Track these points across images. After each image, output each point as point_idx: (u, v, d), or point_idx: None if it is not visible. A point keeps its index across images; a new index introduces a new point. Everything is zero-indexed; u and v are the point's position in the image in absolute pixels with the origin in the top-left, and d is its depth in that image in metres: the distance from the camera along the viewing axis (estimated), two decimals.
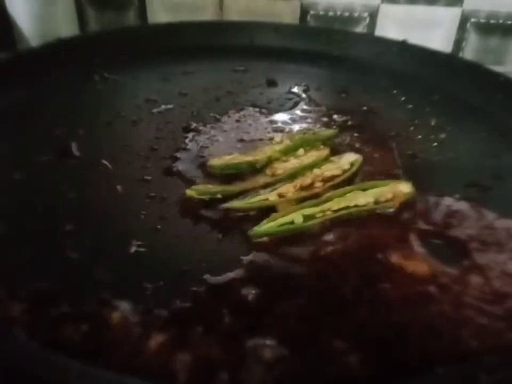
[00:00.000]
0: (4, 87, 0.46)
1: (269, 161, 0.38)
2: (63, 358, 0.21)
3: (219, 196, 0.34)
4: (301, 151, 0.39)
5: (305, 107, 0.50)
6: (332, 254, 0.30)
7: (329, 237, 0.31)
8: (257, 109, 0.49)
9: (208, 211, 0.33)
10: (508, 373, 0.22)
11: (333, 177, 0.36)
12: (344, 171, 0.37)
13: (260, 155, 0.39)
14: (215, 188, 0.35)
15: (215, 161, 0.38)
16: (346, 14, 0.73)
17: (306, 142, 0.40)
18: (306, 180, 0.35)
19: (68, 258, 0.28)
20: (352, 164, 0.38)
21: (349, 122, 0.47)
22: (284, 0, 0.73)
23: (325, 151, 0.39)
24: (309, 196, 0.34)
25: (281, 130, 0.45)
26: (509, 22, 0.72)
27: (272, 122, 0.47)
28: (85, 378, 0.20)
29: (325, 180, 0.36)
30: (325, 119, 0.48)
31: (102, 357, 0.22)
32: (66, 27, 0.75)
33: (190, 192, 0.34)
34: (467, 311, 0.26)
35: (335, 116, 0.48)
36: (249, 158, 0.38)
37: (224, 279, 0.27)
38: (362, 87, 0.56)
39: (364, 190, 0.35)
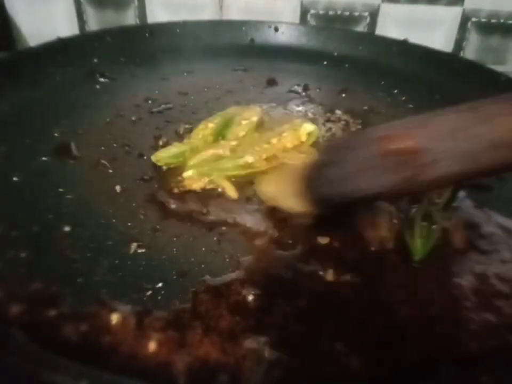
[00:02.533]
0: (4, 87, 0.46)
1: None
2: (62, 358, 0.21)
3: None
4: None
5: (305, 107, 0.50)
6: (331, 255, 0.30)
7: (327, 237, 0.31)
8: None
9: (208, 211, 0.33)
10: (508, 374, 0.22)
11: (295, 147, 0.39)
12: (302, 142, 0.40)
13: (196, 140, 0.40)
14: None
15: (159, 155, 0.38)
16: (347, 13, 0.73)
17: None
18: (270, 150, 0.38)
19: (67, 258, 0.28)
20: (309, 135, 0.40)
21: (349, 122, 0.47)
22: None
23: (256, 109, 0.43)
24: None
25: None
26: (510, 22, 0.72)
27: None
28: (84, 379, 0.20)
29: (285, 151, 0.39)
30: (325, 118, 0.48)
31: (101, 358, 0.22)
32: (66, 27, 0.75)
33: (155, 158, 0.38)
34: (467, 312, 0.26)
35: (335, 115, 0.48)
36: (187, 145, 0.39)
37: (224, 280, 0.27)
38: (363, 86, 0.55)
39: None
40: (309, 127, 0.41)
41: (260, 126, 0.42)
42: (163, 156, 0.38)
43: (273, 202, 0.33)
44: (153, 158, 0.38)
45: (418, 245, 0.30)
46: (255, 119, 0.42)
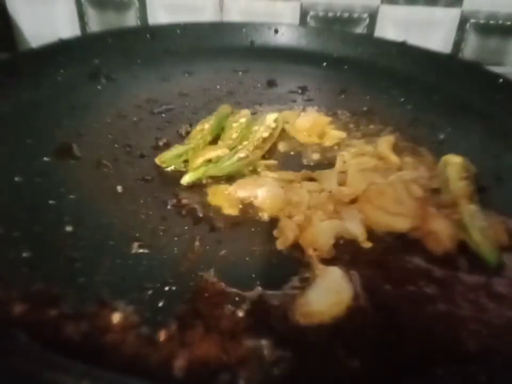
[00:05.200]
0: (4, 87, 0.46)
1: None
2: (63, 358, 0.21)
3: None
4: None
5: (305, 108, 0.51)
6: (331, 254, 0.30)
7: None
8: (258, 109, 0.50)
9: (208, 211, 0.33)
10: (508, 374, 0.22)
11: (270, 137, 0.42)
12: (273, 129, 0.43)
13: (195, 140, 0.40)
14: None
15: (163, 156, 0.38)
16: (346, 14, 0.73)
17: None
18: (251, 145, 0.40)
19: (69, 258, 0.28)
20: (276, 121, 0.44)
21: (349, 123, 0.47)
22: (284, 1, 0.73)
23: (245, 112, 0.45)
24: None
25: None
26: (508, 23, 0.72)
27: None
28: (86, 379, 0.20)
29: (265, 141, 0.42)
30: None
31: (102, 358, 0.22)
32: (67, 27, 0.75)
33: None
34: (467, 312, 0.26)
35: (334, 116, 0.48)
36: (190, 144, 0.39)
37: (225, 280, 0.27)
38: (362, 87, 0.56)
39: None
40: (271, 115, 0.44)
41: (249, 126, 0.43)
42: (167, 157, 0.38)
43: (377, 225, 0.32)
44: (157, 160, 0.38)
45: (487, 249, 0.30)
46: (244, 120, 0.44)
